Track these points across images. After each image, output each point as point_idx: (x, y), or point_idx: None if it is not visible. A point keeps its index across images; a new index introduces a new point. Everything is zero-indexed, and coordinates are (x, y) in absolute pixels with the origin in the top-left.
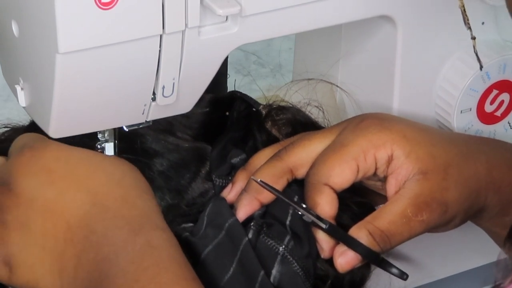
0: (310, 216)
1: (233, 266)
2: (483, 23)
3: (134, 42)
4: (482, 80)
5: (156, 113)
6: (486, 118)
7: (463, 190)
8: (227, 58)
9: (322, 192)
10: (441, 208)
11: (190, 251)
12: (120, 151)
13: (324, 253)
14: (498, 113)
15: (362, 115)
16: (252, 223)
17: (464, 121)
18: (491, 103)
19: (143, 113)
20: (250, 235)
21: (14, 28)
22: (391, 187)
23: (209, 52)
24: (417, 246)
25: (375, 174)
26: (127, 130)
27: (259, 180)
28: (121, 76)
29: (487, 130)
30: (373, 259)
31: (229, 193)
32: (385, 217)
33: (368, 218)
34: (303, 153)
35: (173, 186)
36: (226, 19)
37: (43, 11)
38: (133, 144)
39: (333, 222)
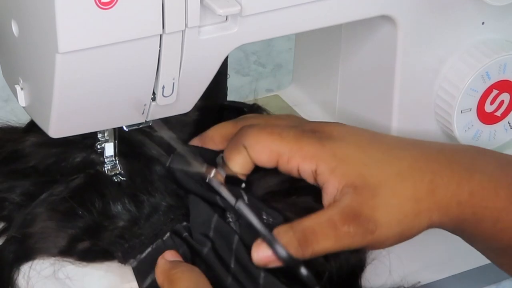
0: (222, 190)
1: (231, 266)
2: (483, 23)
3: (134, 42)
4: (482, 80)
5: (156, 113)
6: (486, 118)
7: (395, 213)
8: (227, 58)
9: (240, 153)
10: (369, 224)
11: (191, 250)
12: (122, 155)
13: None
14: (498, 113)
15: (317, 124)
16: (228, 215)
17: (464, 121)
18: (491, 103)
19: (143, 113)
20: (236, 229)
21: (14, 28)
22: (323, 201)
23: (209, 52)
24: (418, 246)
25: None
26: (127, 130)
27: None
28: (121, 76)
29: (487, 130)
30: (287, 260)
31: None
32: (311, 219)
33: (296, 221)
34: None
35: (174, 191)
36: (226, 19)
37: (43, 11)
38: (134, 148)
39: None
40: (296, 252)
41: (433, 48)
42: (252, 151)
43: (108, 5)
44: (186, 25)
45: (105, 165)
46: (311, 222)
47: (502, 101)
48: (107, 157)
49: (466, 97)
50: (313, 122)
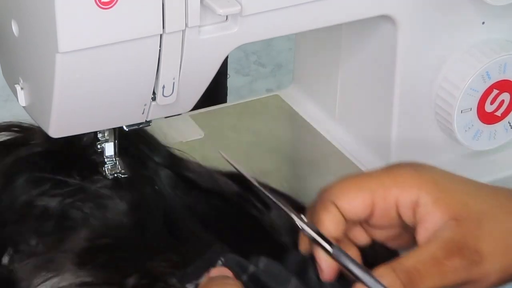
0: (316, 237)
1: None
2: (483, 23)
3: (134, 42)
4: (483, 80)
5: (156, 112)
6: (487, 118)
7: (499, 244)
8: (227, 58)
9: (329, 211)
10: (474, 256)
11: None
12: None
13: (324, 275)
14: (499, 113)
15: (404, 162)
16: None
17: (464, 121)
18: (492, 103)
19: (143, 113)
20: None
21: (14, 28)
22: (420, 237)
23: (209, 52)
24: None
25: (400, 219)
26: (127, 130)
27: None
28: (121, 75)
29: (487, 130)
30: None
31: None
32: (413, 257)
33: (395, 259)
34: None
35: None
36: (226, 18)
37: (43, 10)
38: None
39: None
40: None
41: (433, 48)
42: (343, 203)
43: (108, 5)
44: (186, 25)
45: (105, 165)
46: (413, 261)
47: (502, 101)
48: (107, 157)
49: (466, 97)
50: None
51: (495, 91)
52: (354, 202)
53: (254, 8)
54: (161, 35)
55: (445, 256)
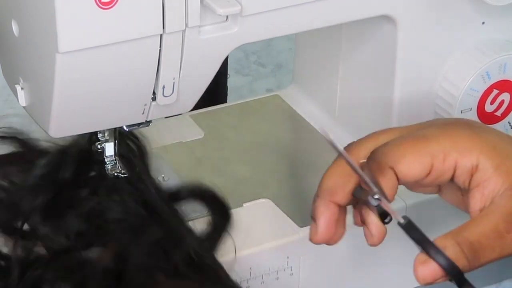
0: (387, 205)
1: None
2: (483, 23)
3: (134, 42)
4: (483, 80)
5: (156, 113)
6: (487, 118)
7: None
8: (227, 58)
9: (386, 175)
10: None
11: None
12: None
13: (373, 240)
14: (499, 113)
15: (451, 118)
16: None
17: None
18: (492, 103)
19: (143, 113)
20: None
21: (14, 28)
22: (475, 201)
23: (209, 52)
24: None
25: (452, 181)
26: (127, 130)
27: (342, 149)
28: (121, 75)
29: None
30: (455, 274)
31: (317, 234)
32: (475, 229)
33: (456, 229)
34: (374, 146)
35: None
36: (226, 18)
37: (43, 10)
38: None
39: None
40: (465, 266)
41: (433, 48)
42: (402, 167)
43: (108, 5)
44: (186, 25)
45: (105, 165)
46: (477, 234)
47: (502, 101)
48: (107, 157)
49: (466, 97)
50: (441, 119)
51: (495, 91)
52: (413, 166)
53: (254, 8)
54: (161, 35)
55: (507, 229)
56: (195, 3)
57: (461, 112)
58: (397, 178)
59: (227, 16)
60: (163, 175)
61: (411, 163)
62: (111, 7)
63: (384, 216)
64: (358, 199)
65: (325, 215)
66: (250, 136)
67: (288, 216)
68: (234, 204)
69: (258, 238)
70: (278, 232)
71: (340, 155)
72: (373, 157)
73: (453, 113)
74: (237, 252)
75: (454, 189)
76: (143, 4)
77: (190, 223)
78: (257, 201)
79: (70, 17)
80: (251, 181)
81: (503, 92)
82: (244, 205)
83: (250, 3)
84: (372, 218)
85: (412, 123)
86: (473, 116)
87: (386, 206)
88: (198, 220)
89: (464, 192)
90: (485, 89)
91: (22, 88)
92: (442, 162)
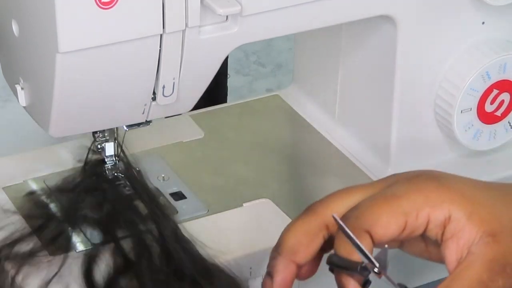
0: (389, 277)
1: None
2: (483, 23)
3: (134, 42)
4: (482, 80)
5: (156, 112)
6: (487, 117)
7: None
8: (227, 58)
9: (363, 240)
10: None
11: None
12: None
13: None
14: (499, 113)
15: (415, 171)
16: None
17: (464, 121)
18: (492, 102)
19: (143, 113)
20: None
21: (14, 27)
22: (451, 252)
23: (209, 52)
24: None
25: (423, 235)
26: (127, 129)
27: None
28: (121, 75)
29: (487, 130)
30: None
31: None
32: (460, 284)
33: (441, 286)
34: (341, 207)
35: None
36: (226, 18)
37: (43, 10)
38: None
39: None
40: None
41: (433, 48)
42: (378, 229)
43: (108, 5)
44: (186, 25)
45: (106, 165)
46: (461, 286)
47: (502, 101)
48: (107, 157)
49: (466, 97)
50: (404, 173)
51: (495, 91)
52: (389, 227)
53: (254, 8)
54: (161, 35)
55: (490, 278)
56: (195, 3)
57: (461, 112)
58: (373, 241)
59: (227, 16)
60: (163, 175)
61: (387, 224)
62: (111, 7)
63: (365, 283)
64: (335, 265)
65: (283, 274)
66: (250, 136)
67: (288, 216)
68: (234, 204)
69: (258, 238)
70: (278, 232)
71: (350, 238)
72: (345, 222)
73: (453, 113)
74: (237, 252)
75: (417, 240)
76: (143, 4)
77: (190, 223)
78: (257, 201)
79: (70, 17)
80: (251, 181)
81: (503, 92)
82: (244, 205)
83: (250, 3)
84: (348, 282)
85: (412, 123)
86: (473, 116)
87: (389, 278)
88: (199, 220)
89: (432, 243)
90: (485, 89)
91: (22, 88)
92: (415, 218)
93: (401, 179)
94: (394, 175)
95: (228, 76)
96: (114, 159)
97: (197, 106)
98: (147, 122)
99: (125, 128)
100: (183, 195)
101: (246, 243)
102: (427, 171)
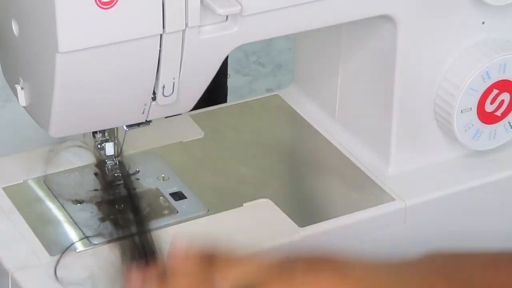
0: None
1: None
2: (483, 23)
3: (134, 42)
4: (482, 80)
5: (156, 112)
6: (487, 117)
7: None
8: (227, 58)
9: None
10: None
11: None
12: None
13: None
14: (498, 113)
15: (312, 257)
16: None
17: (464, 120)
18: (491, 102)
19: (143, 113)
20: None
21: (14, 27)
22: None
23: (209, 52)
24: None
25: None
26: (127, 129)
27: None
28: (121, 75)
29: (487, 130)
30: None
31: None
32: None
33: None
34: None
35: None
36: (226, 18)
37: (43, 10)
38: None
39: None
40: None
41: (433, 48)
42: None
43: (108, 5)
44: (186, 25)
45: (106, 165)
46: None
47: (502, 101)
48: (107, 157)
49: (466, 97)
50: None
51: (495, 91)
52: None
53: (254, 8)
54: (161, 35)
55: None
56: (195, 3)
57: (461, 112)
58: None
59: (227, 16)
60: (163, 175)
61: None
62: (111, 7)
63: None
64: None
65: None
66: (250, 136)
67: (288, 216)
68: (234, 204)
69: (258, 238)
70: (278, 232)
71: None
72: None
73: (453, 113)
74: (237, 252)
75: None
76: (143, 4)
77: (190, 223)
78: (257, 201)
79: (70, 17)
80: (251, 181)
81: (503, 92)
82: (244, 205)
83: (250, 3)
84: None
85: (412, 123)
86: (473, 116)
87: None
88: (199, 220)
89: None
90: (485, 89)
91: (22, 88)
92: None
93: (297, 266)
94: (293, 259)
95: (228, 76)
96: (114, 159)
97: (197, 106)
98: (147, 122)
99: (125, 128)
100: (183, 195)
101: (246, 243)
102: (326, 259)
